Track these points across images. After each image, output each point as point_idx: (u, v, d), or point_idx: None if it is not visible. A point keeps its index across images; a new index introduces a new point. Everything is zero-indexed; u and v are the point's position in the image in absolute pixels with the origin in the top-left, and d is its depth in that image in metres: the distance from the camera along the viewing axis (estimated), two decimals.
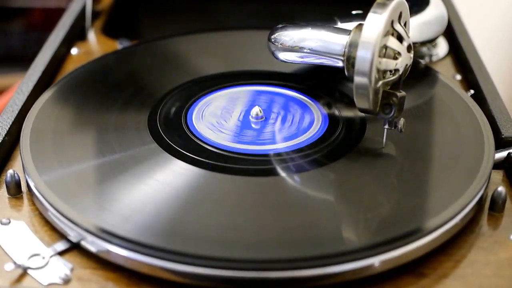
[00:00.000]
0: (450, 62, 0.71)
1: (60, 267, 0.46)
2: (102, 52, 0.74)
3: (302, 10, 0.87)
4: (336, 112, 0.59)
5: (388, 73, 0.51)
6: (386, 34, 0.51)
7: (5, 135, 0.56)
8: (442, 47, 0.73)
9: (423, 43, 0.64)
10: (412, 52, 0.53)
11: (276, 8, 0.88)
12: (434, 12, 0.64)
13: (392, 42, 0.51)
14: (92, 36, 0.79)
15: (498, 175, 0.55)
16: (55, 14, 0.79)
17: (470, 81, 0.66)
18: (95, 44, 0.77)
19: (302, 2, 0.87)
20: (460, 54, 0.70)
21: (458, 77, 0.68)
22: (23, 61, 0.69)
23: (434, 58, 0.71)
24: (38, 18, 1.16)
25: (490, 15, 1.17)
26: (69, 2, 0.82)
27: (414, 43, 0.63)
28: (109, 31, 0.80)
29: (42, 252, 0.47)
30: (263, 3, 0.89)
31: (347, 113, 0.58)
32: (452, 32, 0.74)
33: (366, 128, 0.56)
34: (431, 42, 0.65)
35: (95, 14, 0.83)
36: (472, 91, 0.64)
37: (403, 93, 0.52)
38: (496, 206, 0.51)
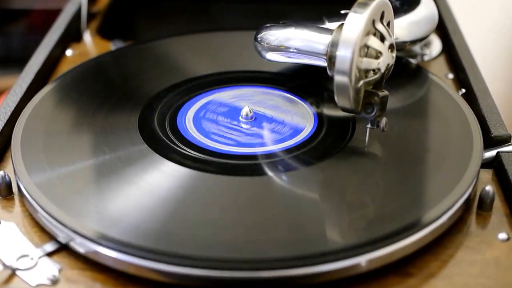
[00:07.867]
0: (443, 61, 0.71)
1: (49, 268, 0.46)
2: (97, 53, 0.74)
3: (297, 10, 0.87)
4: (325, 111, 0.59)
5: (371, 72, 0.52)
6: (367, 34, 0.51)
7: None
8: (435, 46, 0.73)
9: (413, 42, 0.64)
10: (395, 51, 0.53)
11: (272, 8, 0.89)
12: (424, 11, 0.64)
13: (373, 42, 0.51)
14: (87, 37, 0.79)
15: (487, 174, 0.55)
16: (56, 16, 0.79)
17: (462, 80, 0.66)
18: (91, 45, 0.77)
19: (298, 2, 0.87)
20: (452, 53, 0.70)
21: (451, 76, 0.68)
22: (23, 63, 0.69)
23: (426, 58, 0.71)
24: (38, 20, 1.16)
25: (485, 15, 1.17)
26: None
27: (403, 42, 0.63)
28: (104, 33, 0.80)
29: (31, 253, 0.47)
30: (258, 3, 0.89)
31: (336, 112, 0.58)
32: (445, 31, 0.74)
33: (355, 128, 0.56)
34: (421, 41, 0.65)
35: (91, 16, 0.83)
36: (463, 90, 0.64)
37: (385, 92, 0.52)
38: (484, 205, 0.51)
